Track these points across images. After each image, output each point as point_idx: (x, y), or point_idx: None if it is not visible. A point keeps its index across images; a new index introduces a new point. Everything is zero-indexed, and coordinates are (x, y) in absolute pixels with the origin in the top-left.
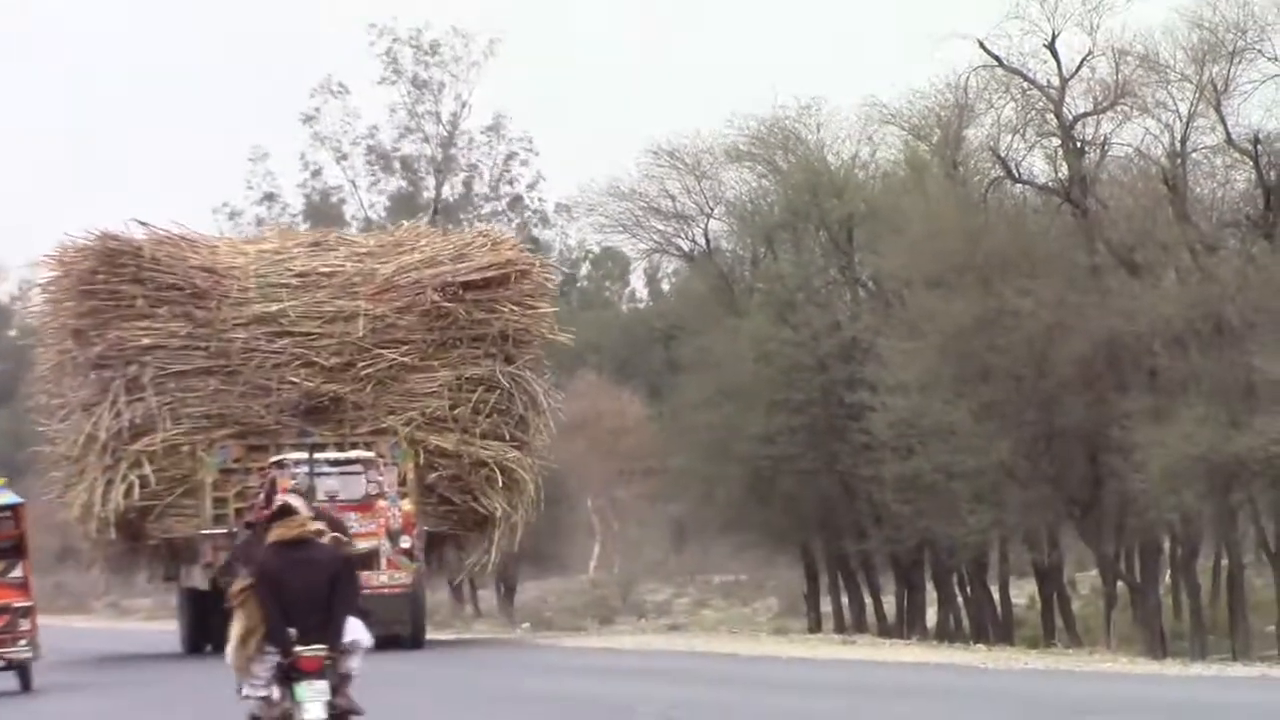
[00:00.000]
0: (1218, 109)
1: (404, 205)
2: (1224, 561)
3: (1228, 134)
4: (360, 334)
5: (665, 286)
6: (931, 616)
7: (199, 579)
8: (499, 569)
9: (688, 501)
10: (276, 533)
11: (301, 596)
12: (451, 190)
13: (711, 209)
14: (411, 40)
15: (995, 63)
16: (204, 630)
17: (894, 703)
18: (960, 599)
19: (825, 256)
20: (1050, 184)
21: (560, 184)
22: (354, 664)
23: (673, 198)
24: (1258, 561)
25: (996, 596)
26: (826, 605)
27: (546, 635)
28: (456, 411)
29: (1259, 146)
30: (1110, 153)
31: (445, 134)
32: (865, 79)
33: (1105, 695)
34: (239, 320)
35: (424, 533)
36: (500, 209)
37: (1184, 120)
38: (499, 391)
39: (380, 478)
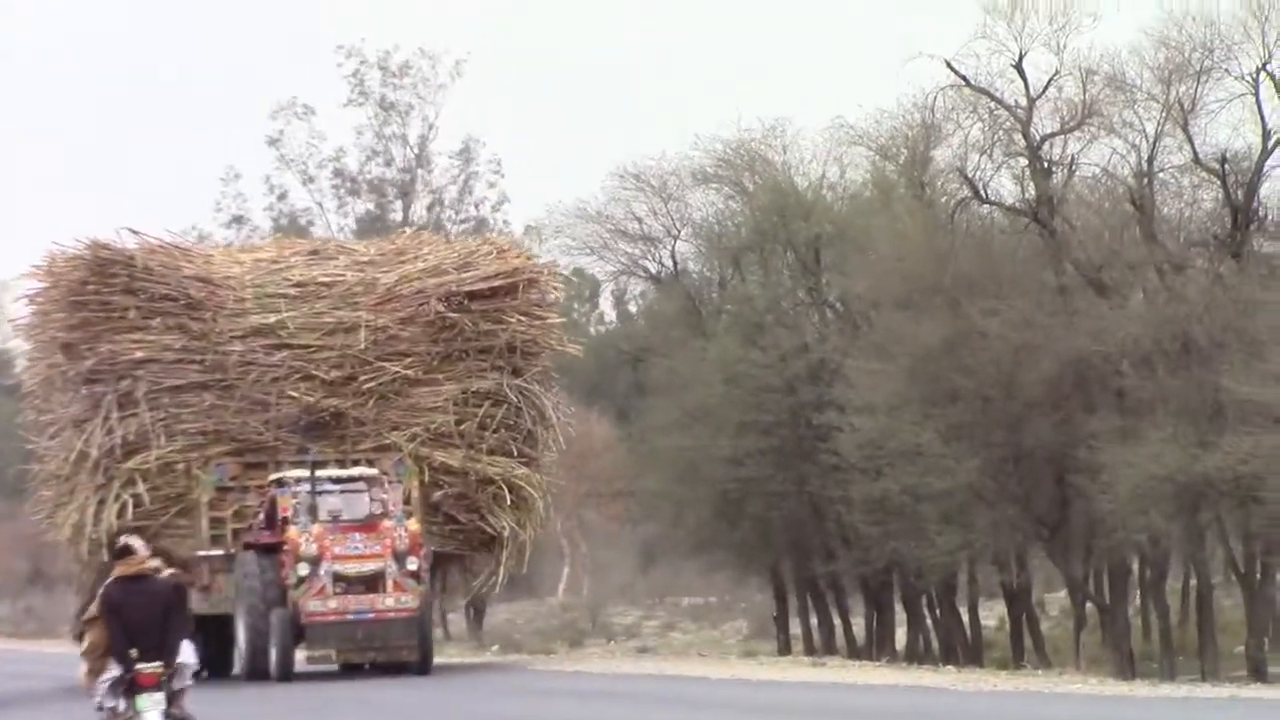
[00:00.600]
0: (1185, 128)
1: (372, 227)
2: (1193, 582)
3: (1195, 153)
4: (362, 346)
5: (633, 308)
6: (901, 638)
7: (197, 601)
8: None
9: (656, 523)
10: (119, 570)
11: (140, 623)
12: (418, 211)
13: (678, 231)
14: (380, 62)
15: (962, 83)
16: (202, 653)
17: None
18: (929, 620)
19: (793, 278)
20: (1017, 204)
21: (527, 206)
22: (187, 679)
23: (639, 220)
24: (1226, 582)
25: (965, 618)
26: (796, 627)
27: (516, 658)
28: (462, 427)
29: (1226, 166)
30: (1077, 173)
31: (413, 156)
32: (833, 100)
33: (1075, 717)
34: (235, 332)
35: (430, 553)
36: (469, 230)
37: (1151, 140)
38: (506, 405)
39: (384, 496)
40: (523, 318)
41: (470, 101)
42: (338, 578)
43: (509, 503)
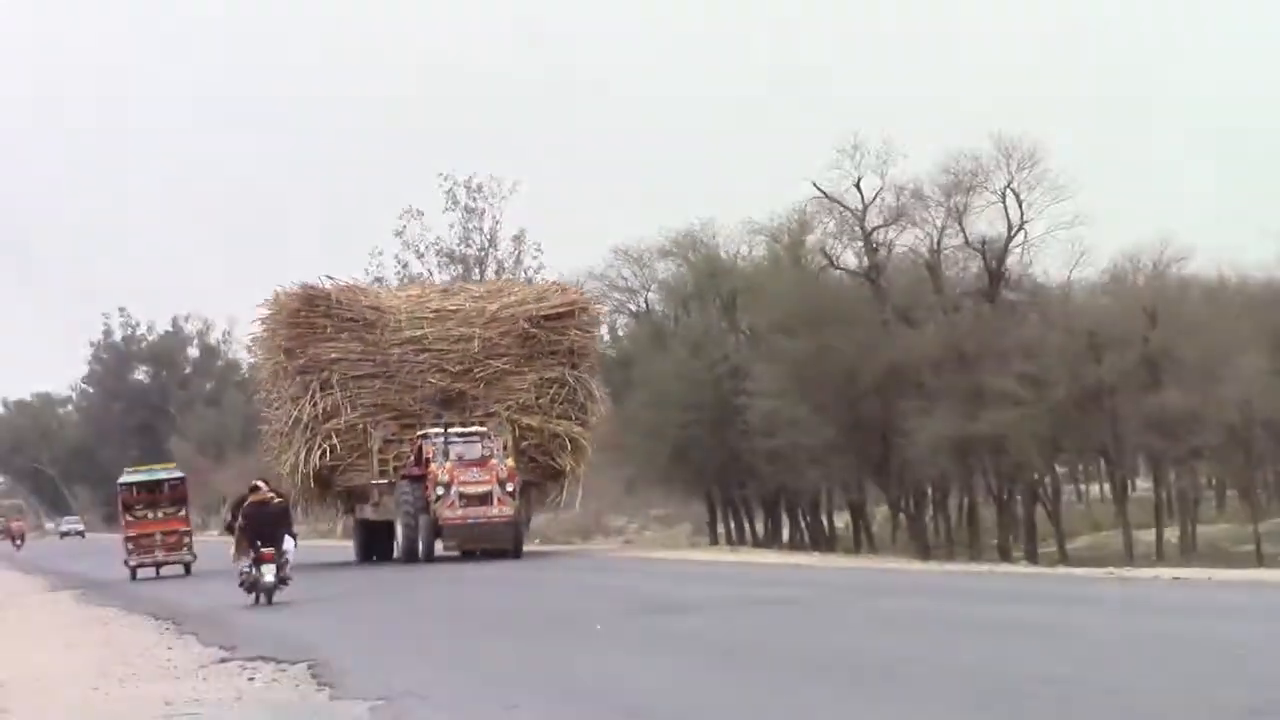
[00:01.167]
0: (959, 222)
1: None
2: (965, 500)
3: (965, 238)
4: (476, 350)
5: (621, 333)
6: (785, 535)
7: (370, 513)
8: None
9: (635, 465)
10: (252, 498)
11: (262, 528)
12: (489, 275)
13: (649, 286)
14: (465, 183)
15: (822, 195)
16: (371, 546)
17: (763, 587)
18: (803, 524)
19: (719, 314)
20: (857, 270)
21: (557, 270)
22: (288, 557)
23: (625, 278)
24: (987, 501)
25: (825, 523)
26: (721, 528)
27: (552, 547)
28: (539, 401)
29: (984, 246)
30: (894, 250)
31: (486, 240)
32: (745, 203)
33: (892, 582)
34: (395, 341)
35: (520, 481)
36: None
37: (938, 229)
38: (568, 388)
39: (491, 445)
40: (578, 331)
41: (522, 204)
42: (462, 496)
43: (569, 450)
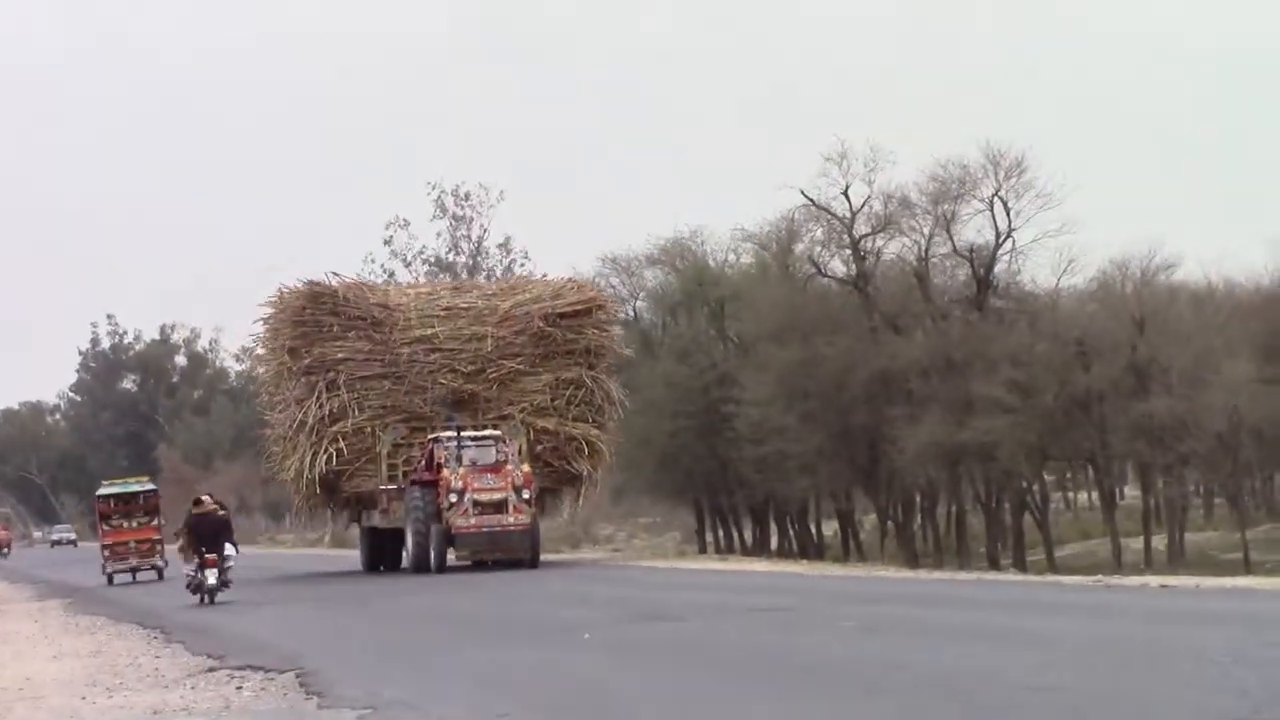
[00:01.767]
0: (947, 230)
1: None
2: (953, 508)
3: (953, 246)
4: (488, 349)
5: None
6: (774, 543)
7: (378, 520)
8: None
9: (622, 473)
10: (195, 510)
11: (205, 536)
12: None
13: (638, 294)
14: (453, 191)
15: (810, 203)
16: (378, 555)
17: (753, 595)
18: (791, 532)
19: (707, 322)
20: (845, 278)
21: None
22: (229, 563)
23: (614, 287)
24: (975, 508)
25: (814, 531)
26: (709, 537)
27: (544, 555)
28: (555, 403)
29: (972, 254)
30: (882, 258)
31: (473, 248)
32: (733, 210)
33: (880, 590)
34: (404, 340)
35: (538, 487)
36: None
37: (926, 237)
38: (584, 389)
39: (506, 449)
40: (594, 330)
41: (509, 212)
42: (476, 503)
43: (586, 453)
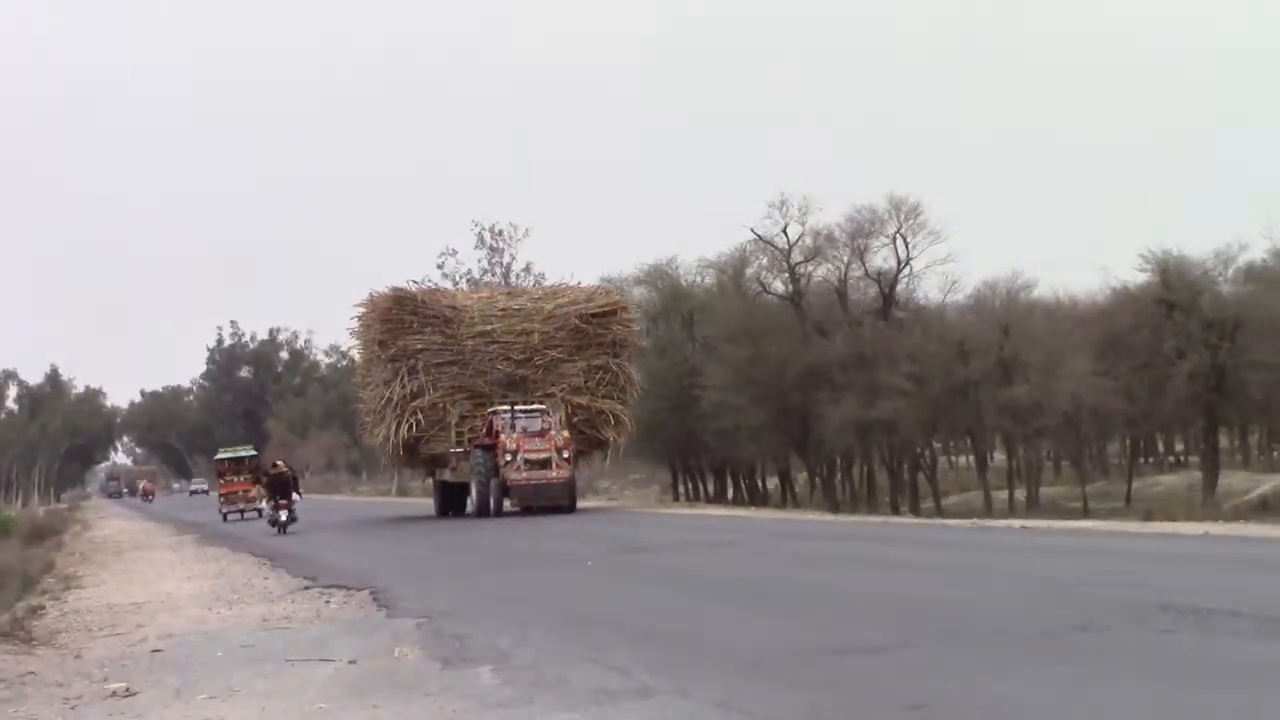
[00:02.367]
0: (861, 259)
1: None
2: (865, 468)
3: (866, 271)
4: (535, 342)
5: None
6: (729, 494)
7: (448, 475)
8: None
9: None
10: (273, 471)
11: (279, 486)
12: None
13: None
14: (490, 228)
15: (758, 238)
16: (448, 504)
17: (712, 533)
18: (742, 485)
19: (680, 328)
20: (784, 295)
21: None
22: (296, 506)
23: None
24: (881, 468)
25: (760, 484)
26: (681, 489)
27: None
28: (588, 384)
29: (880, 277)
30: (812, 280)
31: (504, 270)
32: (698, 243)
33: (809, 530)
34: (469, 335)
35: (575, 449)
36: None
37: (845, 265)
38: (611, 373)
39: (550, 419)
40: (619, 326)
41: (535, 243)
42: (526, 461)
43: (612, 424)
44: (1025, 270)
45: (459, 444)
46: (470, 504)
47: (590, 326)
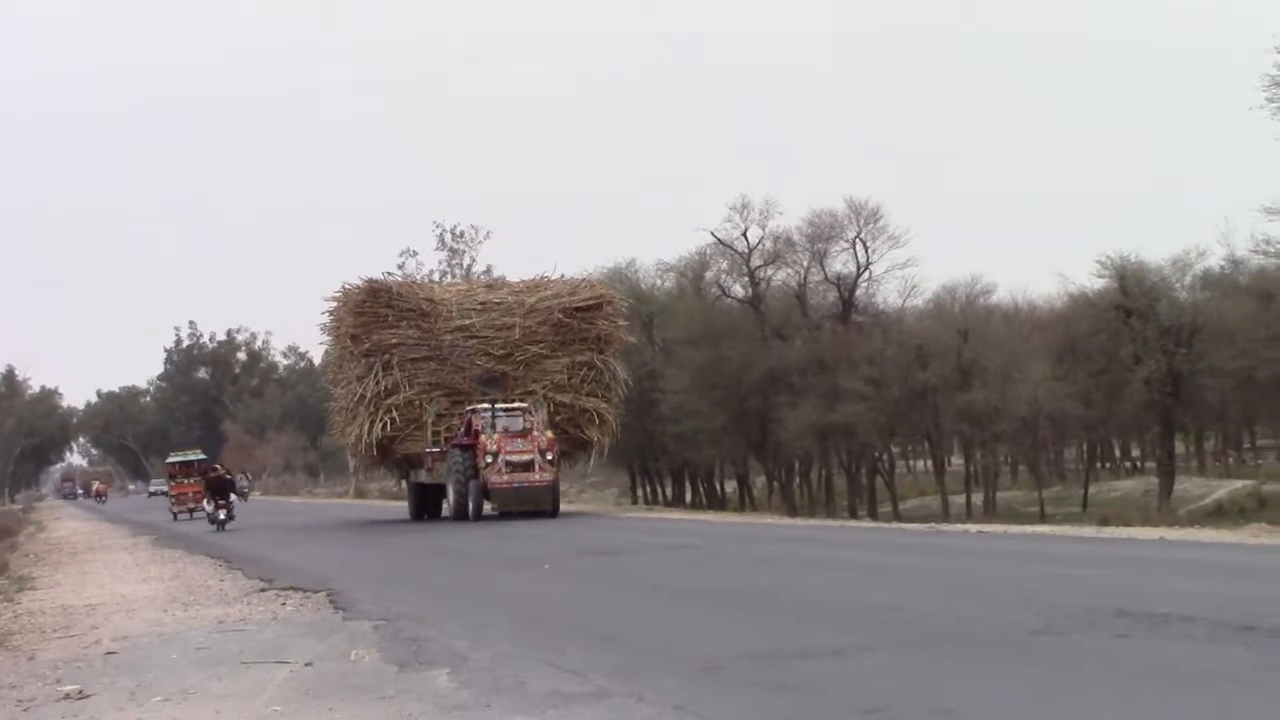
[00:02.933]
0: (821, 264)
1: None
2: (823, 472)
3: (825, 275)
4: (517, 336)
5: None
6: (688, 497)
7: (424, 477)
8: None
9: None
10: (212, 474)
11: (219, 488)
12: None
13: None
14: (451, 229)
15: (718, 242)
16: (423, 507)
17: (671, 536)
18: (701, 489)
19: (640, 331)
20: (744, 299)
21: None
22: (234, 505)
23: None
24: (840, 472)
25: (718, 488)
26: (640, 492)
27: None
28: (571, 381)
29: (839, 281)
30: (771, 284)
31: (463, 273)
32: (659, 246)
33: (767, 533)
34: (447, 329)
35: (559, 450)
36: None
37: (805, 269)
38: (595, 370)
39: (533, 418)
40: (605, 321)
41: (495, 246)
42: (508, 463)
43: (596, 423)
44: (984, 275)
45: (435, 444)
46: (447, 507)
47: (574, 321)
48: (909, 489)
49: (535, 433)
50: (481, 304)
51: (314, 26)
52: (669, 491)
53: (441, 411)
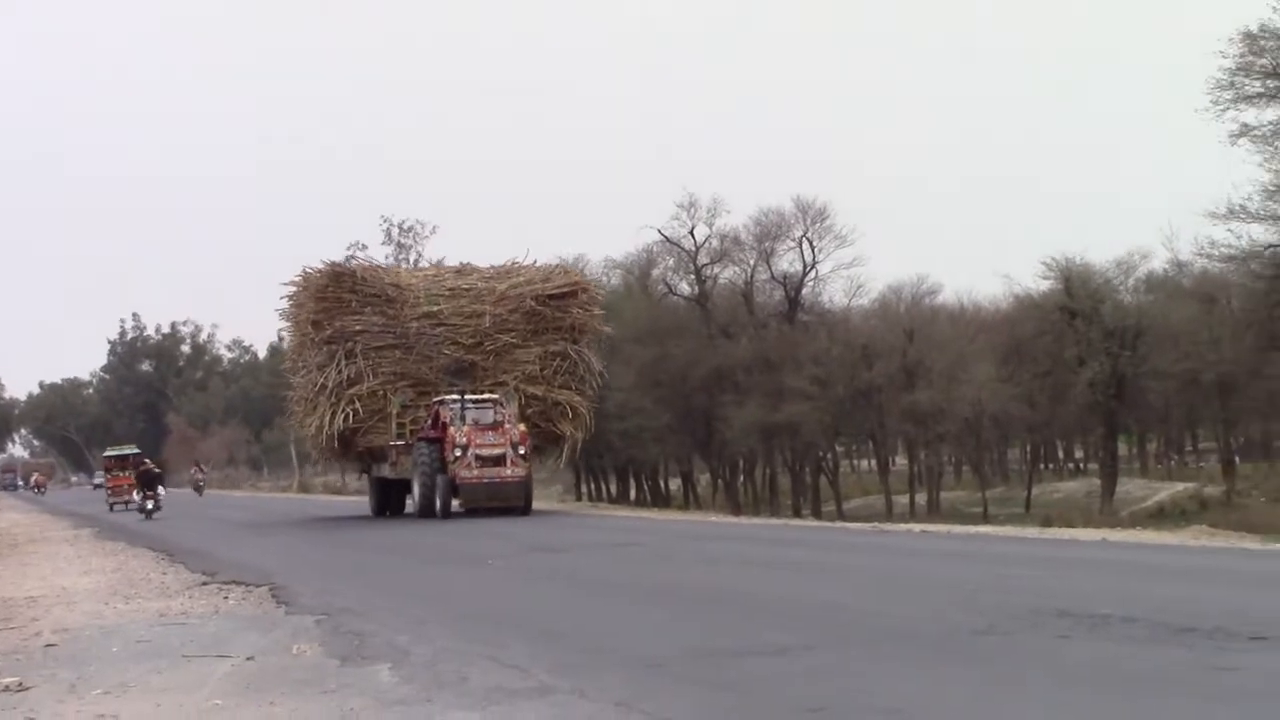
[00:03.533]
0: (767, 262)
1: None
2: (767, 470)
3: (772, 274)
4: (487, 325)
5: None
6: (632, 495)
7: (387, 471)
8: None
9: None
10: (141, 468)
11: (147, 481)
12: None
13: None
14: (399, 224)
15: (665, 239)
16: (386, 502)
17: (617, 534)
18: (646, 486)
19: None
20: (690, 296)
21: None
22: (161, 497)
23: None
24: (784, 471)
25: (662, 486)
26: (584, 489)
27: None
28: (544, 372)
29: (785, 280)
30: (718, 282)
31: (411, 267)
32: (605, 243)
33: (711, 531)
34: (413, 316)
35: (532, 444)
36: None
37: (751, 267)
38: (569, 360)
39: (504, 411)
40: (579, 310)
41: (442, 241)
42: (478, 457)
43: (569, 416)
44: (930, 275)
45: (400, 437)
46: (411, 503)
47: (547, 309)
48: (853, 488)
49: (507, 425)
50: (450, 290)
51: (282, 21)
52: (614, 489)
53: (407, 403)
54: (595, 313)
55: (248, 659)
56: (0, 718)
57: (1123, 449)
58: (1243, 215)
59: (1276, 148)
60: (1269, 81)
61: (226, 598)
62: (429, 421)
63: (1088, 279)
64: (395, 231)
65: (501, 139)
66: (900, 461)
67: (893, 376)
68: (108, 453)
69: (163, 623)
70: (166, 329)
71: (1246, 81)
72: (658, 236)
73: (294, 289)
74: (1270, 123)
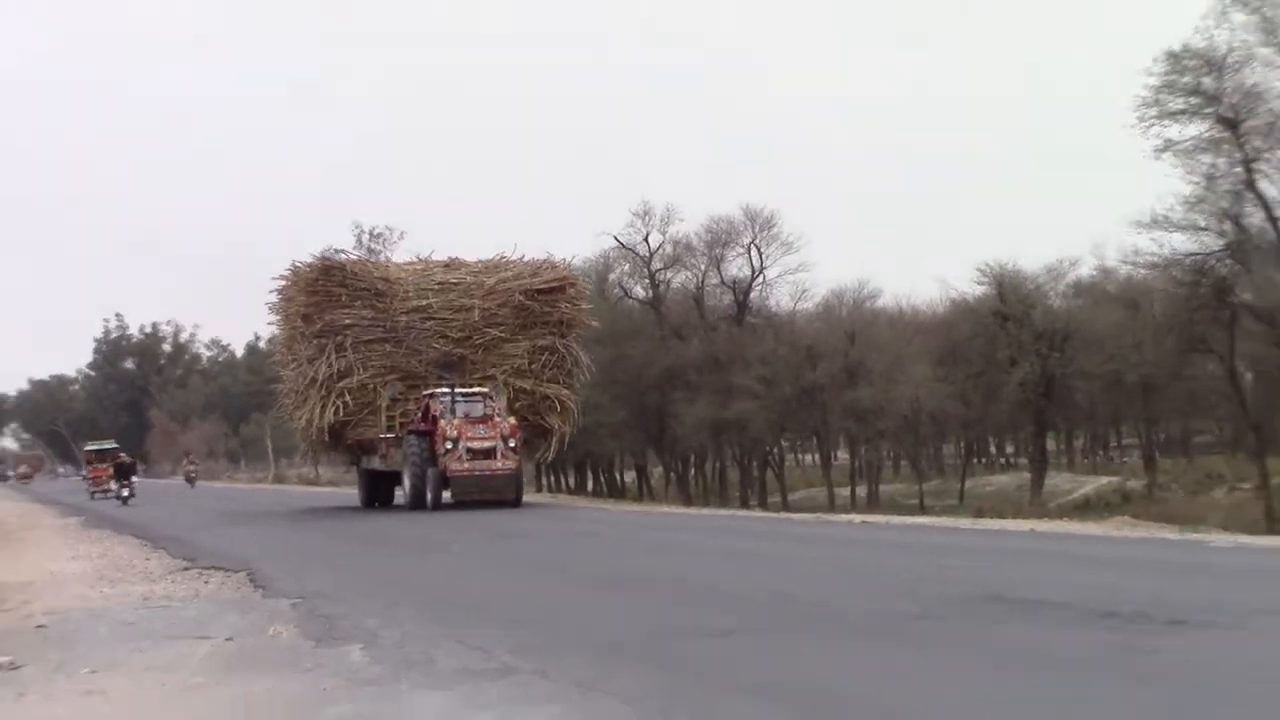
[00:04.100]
0: (718, 268)
1: None
2: (717, 464)
3: (722, 279)
4: (476, 319)
5: None
6: (590, 486)
7: (377, 464)
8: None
9: None
10: (115, 460)
11: (124, 470)
12: None
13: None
14: (369, 230)
15: (621, 246)
16: (375, 494)
17: (575, 524)
18: (602, 479)
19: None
20: (645, 300)
21: None
22: (134, 485)
23: None
24: (733, 465)
25: (618, 478)
26: (544, 480)
27: None
28: (532, 366)
29: (735, 285)
30: (671, 286)
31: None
32: (564, 249)
33: (664, 521)
34: (403, 310)
35: (522, 436)
36: None
37: (702, 272)
38: (557, 354)
39: (494, 404)
40: (567, 304)
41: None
42: (469, 450)
43: (558, 410)
44: (871, 280)
45: (390, 429)
46: (401, 495)
47: (536, 303)
48: (797, 481)
49: (497, 418)
50: (439, 284)
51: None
52: (571, 481)
53: (396, 396)
54: (583, 307)
55: (227, 640)
56: None
57: (1051, 445)
58: (1165, 225)
59: (1197, 161)
60: (1190, 99)
61: (207, 582)
62: (419, 414)
63: (1019, 284)
64: (365, 237)
65: (465, 139)
66: (842, 456)
67: (835, 376)
68: (88, 447)
69: (146, 606)
70: (149, 329)
71: (1170, 99)
72: (614, 243)
73: (284, 283)
74: (1191, 138)
